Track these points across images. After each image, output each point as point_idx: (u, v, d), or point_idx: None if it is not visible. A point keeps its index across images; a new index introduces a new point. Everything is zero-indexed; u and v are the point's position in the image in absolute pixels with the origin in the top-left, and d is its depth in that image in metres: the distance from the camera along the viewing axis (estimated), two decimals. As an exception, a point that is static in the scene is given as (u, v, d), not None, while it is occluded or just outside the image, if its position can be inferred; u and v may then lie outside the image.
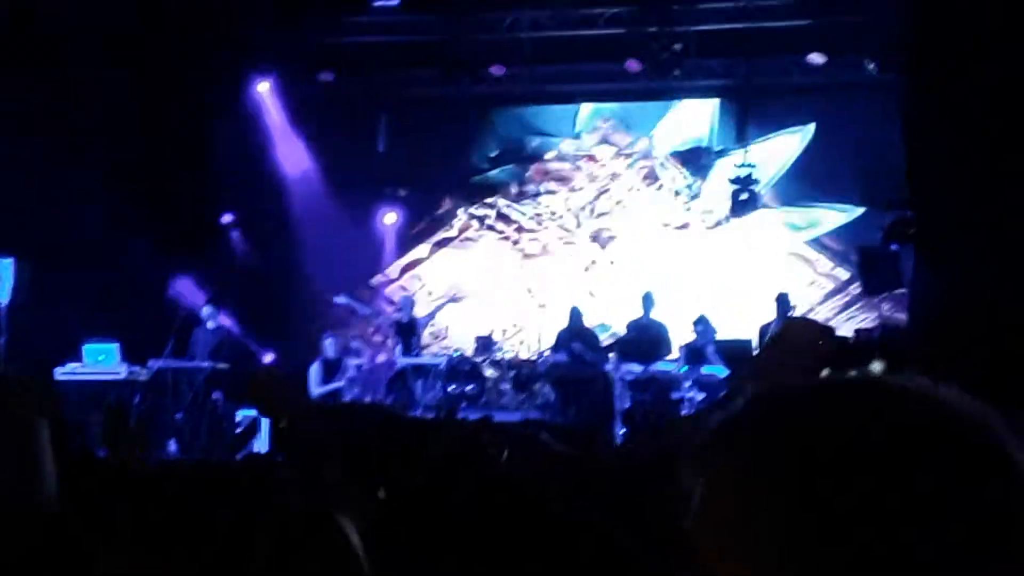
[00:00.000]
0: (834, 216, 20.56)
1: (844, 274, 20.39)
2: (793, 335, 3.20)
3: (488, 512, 2.95)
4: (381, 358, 18.25)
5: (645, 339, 17.91)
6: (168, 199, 18.90)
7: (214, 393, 16.95)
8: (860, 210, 19.85)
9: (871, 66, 18.95)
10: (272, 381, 4.47)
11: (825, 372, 2.96)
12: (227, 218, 20.49)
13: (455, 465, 3.51)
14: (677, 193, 21.27)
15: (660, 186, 21.39)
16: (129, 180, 18.34)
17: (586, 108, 21.65)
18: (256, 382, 4.49)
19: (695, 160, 21.24)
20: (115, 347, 16.64)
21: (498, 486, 3.21)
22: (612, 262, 21.29)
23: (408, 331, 18.33)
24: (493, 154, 21.75)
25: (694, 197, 21.24)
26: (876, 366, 3.21)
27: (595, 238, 21.40)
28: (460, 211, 21.75)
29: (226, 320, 18.31)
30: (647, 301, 18.68)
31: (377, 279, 21.54)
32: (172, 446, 16.57)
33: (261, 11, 18.75)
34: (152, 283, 18.29)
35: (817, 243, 20.74)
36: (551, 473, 3.51)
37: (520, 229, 21.65)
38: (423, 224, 21.69)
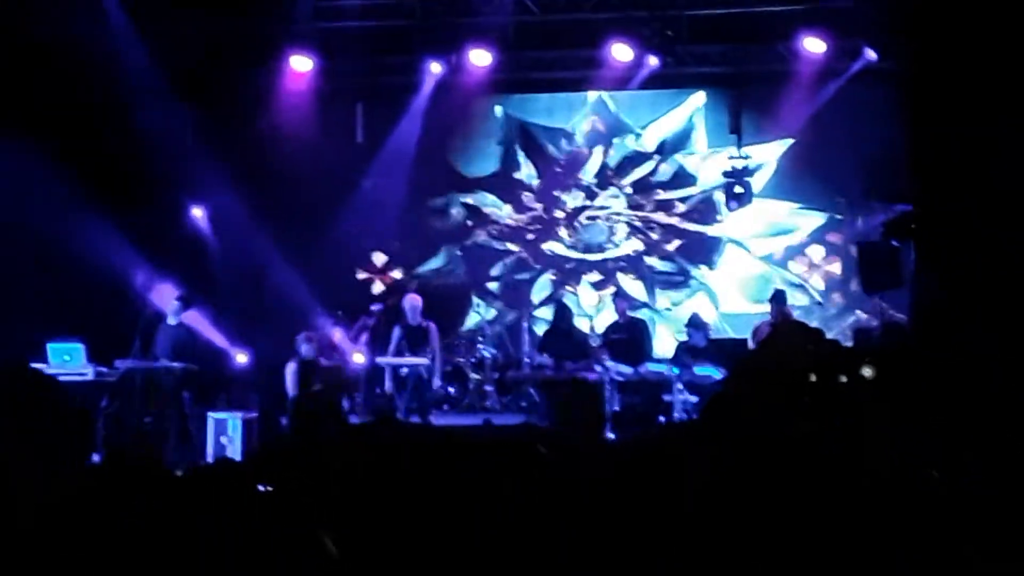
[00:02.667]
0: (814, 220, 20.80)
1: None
2: (780, 339, 3.29)
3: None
4: (359, 359, 18.25)
5: (627, 339, 18.02)
6: (135, 191, 18.89)
7: (184, 394, 17.00)
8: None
9: (871, 53, 19.06)
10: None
11: (812, 376, 3.05)
12: (197, 211, 20.40)
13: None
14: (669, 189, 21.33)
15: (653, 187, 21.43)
16: (94, 171, 18.35)
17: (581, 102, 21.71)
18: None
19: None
20: (80, 347, 16.63)
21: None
22: (604, 260, 21.34)
23: (420, 336, 18.23)
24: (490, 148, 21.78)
25: (685, 198, 21.29)
26: (866, 371, 3.30)
27: (586, 246, 21.44)
28: (453, 209, 21.76)
29: (192, 318, 18.29)
30: (618, 299, 18.94)
31: (362, 275, 21.62)
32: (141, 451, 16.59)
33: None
34: (117, 280, 18.31)
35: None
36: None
37: (509, 226, 21.65)
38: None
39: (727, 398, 3.11)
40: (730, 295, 20.82)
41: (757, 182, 20.29)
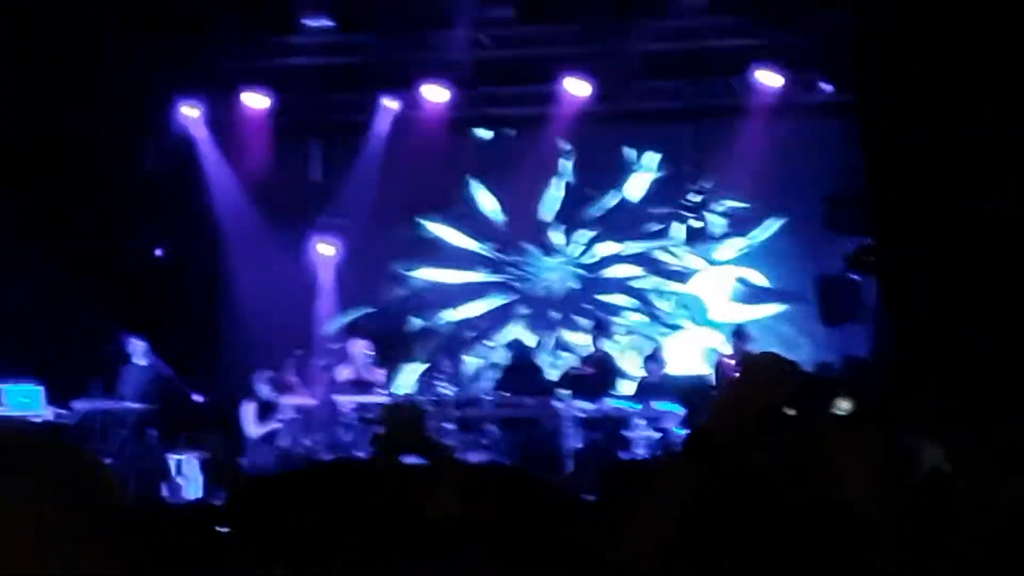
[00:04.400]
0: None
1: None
2: (756, 371, 3.24)
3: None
4: (312, 400, 18.19)
5: (592, 374, 18.07)
6: (91, 231, 18.79)
7: (147, 432, 16.91)
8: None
9: (827, 87, 19.10)
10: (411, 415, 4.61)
11: (789, 410, 3.03)
12: (158, 252, 20.17)
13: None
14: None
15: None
16: (49, 212, 18.25)
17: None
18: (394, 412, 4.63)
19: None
20: (39, 389, 16.48)
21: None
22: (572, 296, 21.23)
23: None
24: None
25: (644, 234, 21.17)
26: (843, 403, 3.30)
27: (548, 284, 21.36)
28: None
29: (155, 357, 18.19)
30: (595, 333, 19.04)
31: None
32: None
33: (189, 31, 18.70)
34: (75, 321, 18.17)
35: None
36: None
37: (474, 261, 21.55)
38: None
39: (705, 434, 3.09)
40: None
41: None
